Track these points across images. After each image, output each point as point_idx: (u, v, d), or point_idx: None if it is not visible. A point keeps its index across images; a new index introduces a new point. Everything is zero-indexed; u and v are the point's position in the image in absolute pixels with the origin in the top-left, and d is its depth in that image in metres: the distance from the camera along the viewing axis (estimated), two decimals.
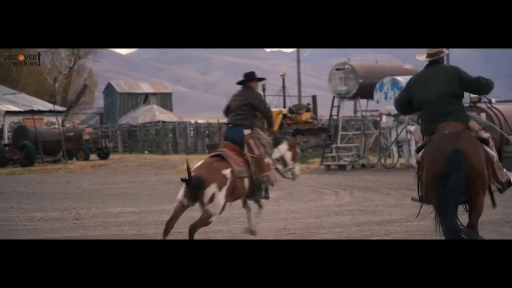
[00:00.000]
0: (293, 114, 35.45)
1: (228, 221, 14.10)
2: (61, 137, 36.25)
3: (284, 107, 36.86)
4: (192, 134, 45.98)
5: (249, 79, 11.03)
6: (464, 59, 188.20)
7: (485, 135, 8.19)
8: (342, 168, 28.33)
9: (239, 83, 11.16)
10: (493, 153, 8.01)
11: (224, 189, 10.13)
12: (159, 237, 12.20)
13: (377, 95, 27.51)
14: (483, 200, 7.93)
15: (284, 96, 37.60)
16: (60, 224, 14.10)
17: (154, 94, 62.14)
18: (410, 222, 13.10)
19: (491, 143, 8.18)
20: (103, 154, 39.10)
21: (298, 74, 46.82)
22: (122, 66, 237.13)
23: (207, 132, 45.97)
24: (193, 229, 10.33)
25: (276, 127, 34.57)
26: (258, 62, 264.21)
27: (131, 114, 59.82)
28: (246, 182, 10.62)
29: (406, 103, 8.46)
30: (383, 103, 27.31)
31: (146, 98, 61.78)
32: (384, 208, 15.72)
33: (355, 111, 31.67)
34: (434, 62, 8.33)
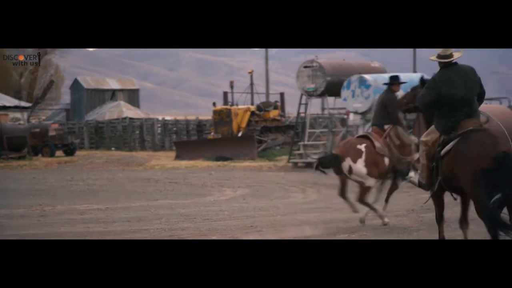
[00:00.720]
0: (261, 111, 35.43)
1: (195, 219, 14.06)
2: (27, 133, 35.89)
3: (252, 104, 36.81)
4: (159, 131, 45.78)
5: (391, 83, 12.89)
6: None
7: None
8: (309, 165, 28.36)
9: (385, 84, 13.20)
10: None
11: (360, 160, 12.15)
12: (126, 234, 12.13)
13: (345, 93, 27.57)
14: None
15: (252, 93, 37.56)
16: (25, 221, 13.95)
17: (121, 90, 61.75)
18: (376, 220, 13.16)
19: None
20: (69, 151, 38.77)
21: (266, 72, 46.79)
22: (89, 62, 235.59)
23: (174, 129, 45.80)
24: (361, 200, 12.35)
25: (243, 124, 34.55)
26: (227, 59, 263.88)
27: (98, 111, 59.39)
28: (387, 160, 12.35)
29: (433, 101, 8.69)
30: (351, 101, 27.38)
31: (113, 94, 61.38)
32: None
33: (323, 109, 31.68)
34: (450, 64, 8.67)
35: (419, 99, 9.20)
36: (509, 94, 53.29)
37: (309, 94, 29.45)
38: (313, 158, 28.64)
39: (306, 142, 29.60)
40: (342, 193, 12.58)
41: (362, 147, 12.28)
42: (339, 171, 12.36)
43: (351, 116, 27.73)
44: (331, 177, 23.08)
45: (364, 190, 12.31)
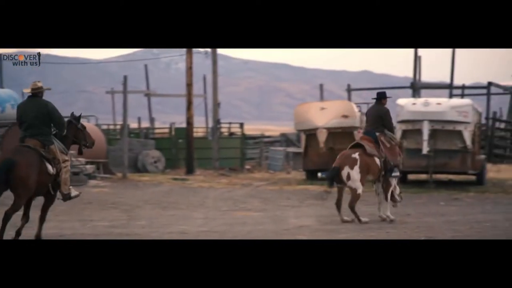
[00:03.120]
0: None
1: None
2: None
3: None
4: None
5: (381, 97, 15.01)
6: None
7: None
8: None
9: (374, 99, 15.19)
10: (50, 168, 11.47)
11: (356, 167, 14.22)
12: None
13: None
14: None
15: None
16: None
17: None
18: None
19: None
20: None
21: None
22: None
23: None
24: (351, 206, 14.28)
25: None
26: None
27: None
28: (378, 161, 14.48)
29: (17, 121, 11.68)
30: None
31: None
32: None
33: None
34: (35, 95, 11.60)
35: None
36: (96, 112, 53.60)
37: None
38: None
39: None
40: (338, 203, 14.41)
41: (356, 155, 14.37)
42: (339, 180, 14.33)
43: None
44: None
45: (355, 197, 14.33)
